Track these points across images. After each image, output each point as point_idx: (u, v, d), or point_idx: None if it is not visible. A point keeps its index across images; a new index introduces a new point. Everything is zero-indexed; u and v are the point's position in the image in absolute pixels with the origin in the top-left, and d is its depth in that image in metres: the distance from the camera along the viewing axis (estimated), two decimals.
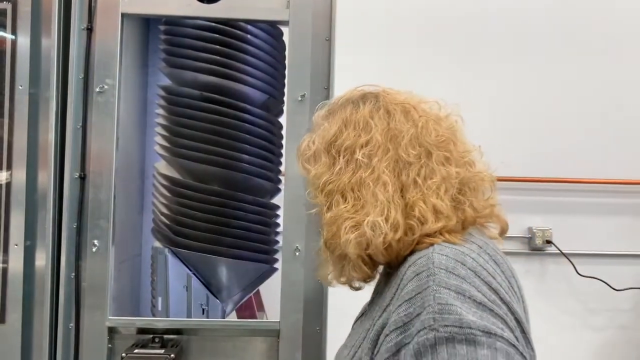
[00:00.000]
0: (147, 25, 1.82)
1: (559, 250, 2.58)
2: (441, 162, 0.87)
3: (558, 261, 2.60)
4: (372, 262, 0.86)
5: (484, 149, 0.93)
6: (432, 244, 0.80)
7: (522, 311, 0.80)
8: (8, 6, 1.42)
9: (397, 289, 0.79)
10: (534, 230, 2.61)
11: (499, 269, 0.80)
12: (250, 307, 2.16)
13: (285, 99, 1.48)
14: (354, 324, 1.06)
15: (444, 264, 0.75)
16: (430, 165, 0.86)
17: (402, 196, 0.84)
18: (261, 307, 2.30)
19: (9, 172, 1.43)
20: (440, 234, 0.82)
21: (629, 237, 2.62)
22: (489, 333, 0.68)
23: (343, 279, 0.92)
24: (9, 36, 1.42)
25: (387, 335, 0.75)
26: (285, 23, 1.48)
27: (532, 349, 0.76)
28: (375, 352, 0.77)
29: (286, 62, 1.71)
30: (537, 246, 2.61)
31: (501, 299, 0.74)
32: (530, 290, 2.66)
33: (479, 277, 0.75)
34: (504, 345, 0.68)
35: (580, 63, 2.56)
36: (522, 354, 0.70)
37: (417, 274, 0.76)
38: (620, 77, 2.57)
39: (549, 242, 2.60)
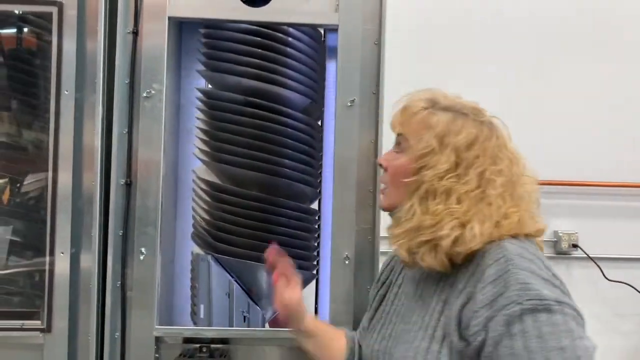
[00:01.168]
0: (179, 28, 1.79)
1: (586, 254, 2.56)
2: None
3: (585, 265, 2.58)
4: (448, 256, 1.00)
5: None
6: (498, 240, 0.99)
7: None
8: (54, 10, 1.39)
9: (473, 274, 0.96)
10: (560, 234, 2.59)
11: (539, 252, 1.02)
12: None
13: (335, 104, 1.46)
14: (382, 305, 1.19)
15: (515, 251, 0.95)
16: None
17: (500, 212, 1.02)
18: None
19: (54, 174, 1.40)
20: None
21: None
22: (559, 302, 0.87)
23: (410, 256, 1.04)
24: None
25: (476, 311, 0.91)
26: (335, 27, 1.46)
27: None
28: (462, 327, 0.93)
29: (326, 64, 1.70)
30: (563, 250, 2.58)
31: (554, 275, 0.94)
32: None
33: (539, 259, 0.96)
34: (569, 310, 0.88)
35: (609, 66, 2.54)
36: (580, 315, 0.90)
37: (496, 260, 0.94)
38: None
39: (575, 245, 2.58)
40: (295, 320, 1.24)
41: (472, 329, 0.91)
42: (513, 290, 0.89)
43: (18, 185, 1.44)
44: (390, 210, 1.12)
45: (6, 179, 1.45)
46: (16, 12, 1.43)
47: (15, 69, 1.45)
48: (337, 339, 1.27)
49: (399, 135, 1.13)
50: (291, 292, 1.23)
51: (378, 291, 1.25)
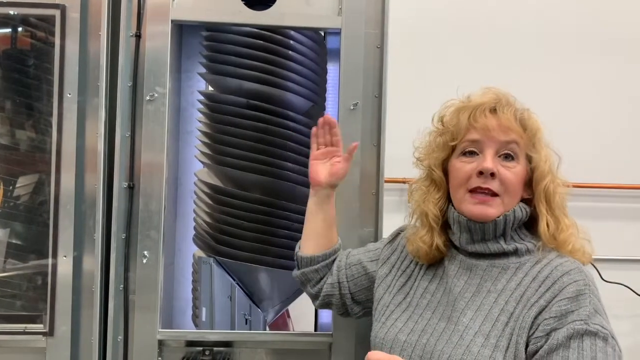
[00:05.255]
0: (180, 31, 1.79)
1: None
2: None
3: None
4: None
5: None
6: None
7: None
8: (56, 13, 1.39)
9: (548, 289, 1.03)
10: None
11: None
12: (281, 315, 2.14)
13: (337, 107, 1.47)
14: (403, 294, 1.19)
15: (591, 277, 1.05)
16: None
17: None
18: (288, 315, 2.28)
19: (57, 177, 1.39)
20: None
21: None
22: (613, 337, 0.98)
23: None
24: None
25: (546, 319, 1.00)
26: (337, 31, 1.46)
27: None
28: (532, 332, 1.01)
29: (326, 66, 1.70)
30: None
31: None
32: None
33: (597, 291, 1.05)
34: (617, 347, 0.98)
35: (614, 65, 2.56)
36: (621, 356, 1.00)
37: (576, 281, 1.02)
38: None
39: None
40: (329, 184, 1.33)
41: (537, 334, 1.00)
42: (584, 311, 0.99)
43: (20, 187, 1.43)
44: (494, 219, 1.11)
45: (10, 181, 1.44)
46: (19, 14, 1.42)
47: (17, 71, 1.44)
48: (335, 233, 1.37)
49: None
50: (346, 165, 1.33)
51: (395, 277, 1.24)
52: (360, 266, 1.30)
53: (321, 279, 1.33)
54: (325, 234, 1.35)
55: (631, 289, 2.53)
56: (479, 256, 1.12)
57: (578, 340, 0.96)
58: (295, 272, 1.37)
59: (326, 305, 1.34)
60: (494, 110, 1.12)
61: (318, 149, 1.35)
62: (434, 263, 1.19)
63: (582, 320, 0.97)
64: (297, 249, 1.38)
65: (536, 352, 0.99)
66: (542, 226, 1.10)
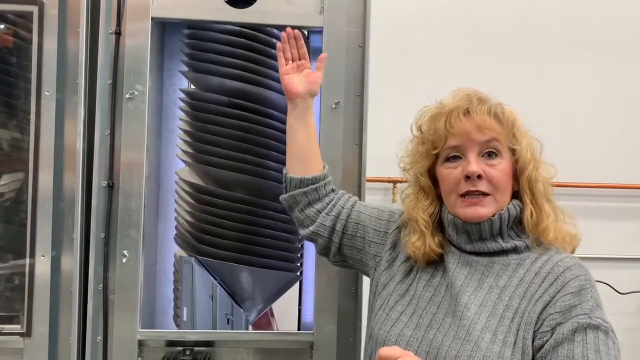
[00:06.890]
0: (162, 28, 1.78)
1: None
2: None
3: None
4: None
5: None
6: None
7: None
8: (34, 9, 1.37)
9: (551, 284, 1.05)
10: None
11: None
12: (265, 315, 2.14)
13: (319, 106, 1.46)
14: (406, 284, 1.18)
15: (589, 273, 1.08)
16: None
17: None
18: (272, 314, 2.28)
19: (35, 176, 1.38)
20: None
21: (633, 242, 2.65)
22: (612, 331, 1.02)
23: None
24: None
25: (551, 314, 1.03)
26: (319, 29, 1.46)
27: None
28: (537, 327, 1.04)
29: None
30: None
31: None
32: None
33: None
34: (616, 339, 1.02)
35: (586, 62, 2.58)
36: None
37: (577, 276, 1.06)
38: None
39: None
40: (310, 92, 1.33)
41: (543, 328, 1.03)
42: (587, 305, 1.02)
43: (1, 186, 1.42)
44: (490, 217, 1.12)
45: None
46: None
47: None
48: (318, 150, 1.36)
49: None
50: (320, 74, 1.34)
51: (399, 261, 1.22)
52: (362, 230, 1.28)
53: (309, 203, 1.31)
54: (310, 151, 1.33)
55: (611, 287, 2.56)
56: (478, 254, 1.13)
57: (582, 334, 1.00)
58: (283, 196, 1.35)
59: (311, 239, 1.33)
60: (467, 112, 1.13)
61: (286, 64, 1.33)
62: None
63: (585, 314, 1.01)
64: (284, 171, 1.35)
65: (542, 346, 1.02)
66: (526, 216, 1.12)
